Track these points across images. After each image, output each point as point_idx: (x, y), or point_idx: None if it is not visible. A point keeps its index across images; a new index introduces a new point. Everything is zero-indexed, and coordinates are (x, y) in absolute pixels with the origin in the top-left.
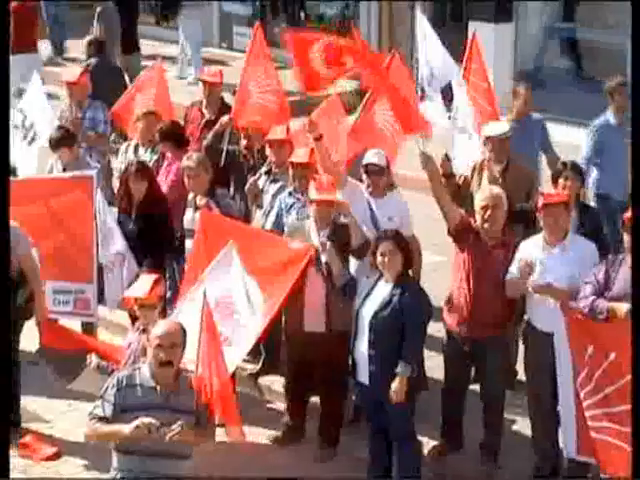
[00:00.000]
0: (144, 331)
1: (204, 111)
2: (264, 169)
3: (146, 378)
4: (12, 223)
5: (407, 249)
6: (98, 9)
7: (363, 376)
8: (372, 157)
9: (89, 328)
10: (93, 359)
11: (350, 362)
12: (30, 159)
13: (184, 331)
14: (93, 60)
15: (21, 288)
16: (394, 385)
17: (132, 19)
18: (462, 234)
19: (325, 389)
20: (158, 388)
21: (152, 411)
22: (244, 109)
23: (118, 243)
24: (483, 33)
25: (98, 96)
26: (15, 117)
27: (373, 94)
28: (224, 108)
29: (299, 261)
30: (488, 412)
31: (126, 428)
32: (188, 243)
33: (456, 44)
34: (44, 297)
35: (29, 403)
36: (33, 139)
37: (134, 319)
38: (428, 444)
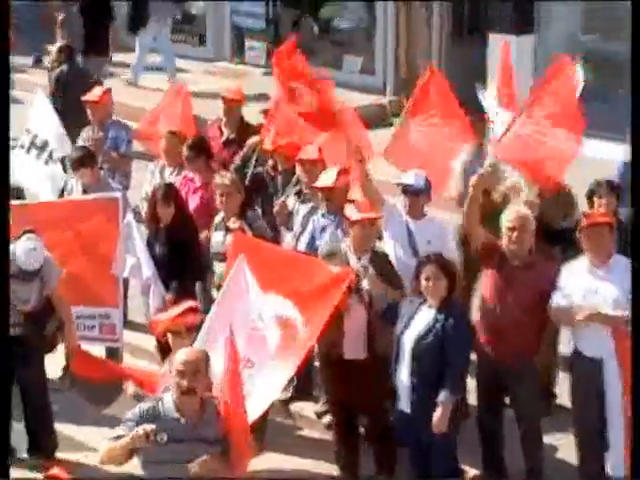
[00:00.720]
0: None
1: (223, 129)
2: (294, 190)
3: (169, 408)
4: (46, 253)
5: (452, 273)
6: (61, 16)
7: (404, 403)
8: (410, 178)
9: (114, 353)
10: (130, 387)
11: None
12: (44, 179)
13: (208, 358)
14: (64, 67)
15: (50, 317)
16: (436, 414)
17: (101, 23)
18: (488, 254)
19: (370, 418)
20: (182, 419)
21: (176, 443)
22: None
23: (147, 268)
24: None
25: (69, 103)
26: (22, 138)
27: (409, 112)
28: (244, 126)
29: (339, 285)
30: (526, 439)
31: (127, 438)
32: (218, 267)
33: (474, 56)
34: (74, 327)
35: (64, 430)
36: (50, 157)
37: (160, 345)
38: (470, 473)
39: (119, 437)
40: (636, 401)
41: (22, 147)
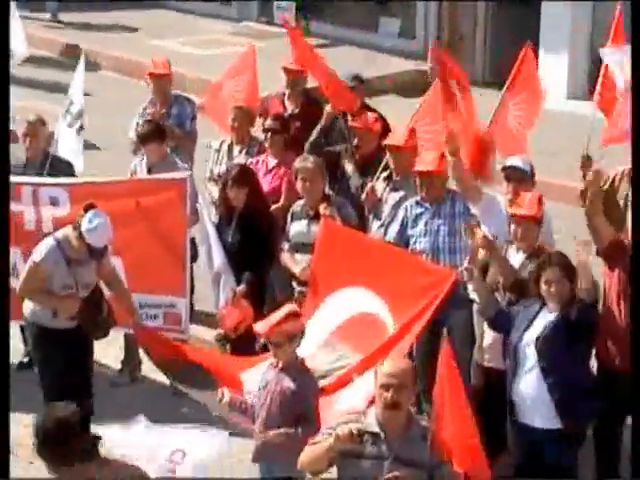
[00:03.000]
0: (282, 370)
1: (286, 103)
2: (383, 174)
3: (371, 423)
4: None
5: (574, 275)
6: None
7: (527, 416)
8: (516, 160)
9: None
10: (225, 394)
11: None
12: (76, 148)
13: (414, 370)
14: None
15: (103, 299)
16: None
17: None
18: (615, 254)
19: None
20: (384, 435)
21: (376, 460)
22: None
23: (218, 256)
24: (558, 13)
25: None
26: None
27: (507, 93)
28: (309, 100)
29: (441, 285)
30: None
31: (330, 439)
32: (299, 257)
33: (521, 21)
34: (132, 301)
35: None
36: (82, 128)
37: (229, 341)
38: None
39: (316, 443)
40: (636, 401)
41: (61, 114)
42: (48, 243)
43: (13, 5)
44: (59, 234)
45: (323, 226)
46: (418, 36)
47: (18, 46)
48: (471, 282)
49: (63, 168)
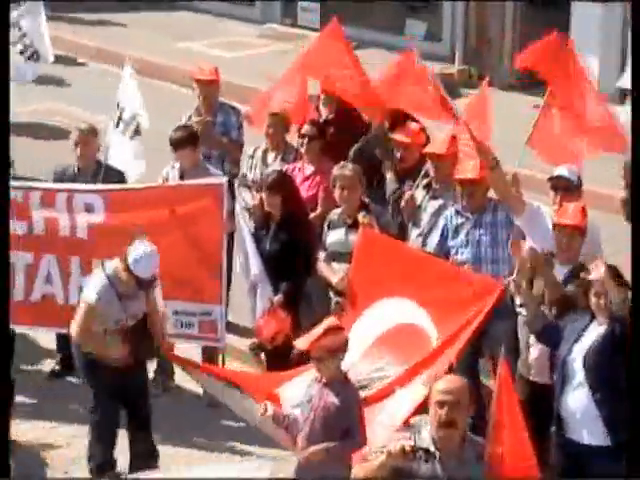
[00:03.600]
0: (325, 385)
1: (321, 109)
2: (423, 182)
3: (425, 440)
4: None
5: (625, 285)
6: None
7: (575, 432)
8: (563, 170)
9: (211, 355)
10: (268, 407)
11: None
12: (131, 154)
13: (470, 388)
14: None
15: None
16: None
17: None
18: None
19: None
20: (438, 454)
21: None
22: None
23: (255, 265)
24: (588, 13)
25: None
26: (115, 112)
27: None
28: (345, 106)
29: (487, 297)
30: None
31: (383, 456)
32: (336, 266)
33: (551, 23)
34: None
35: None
36: (137, 132)
37: (265, 351)
38: None
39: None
40: (636, 400)
41: (112, 122)
42: (100, 281)
43: (41, 6)
44: (109, 269)
45: (362, 235)
46: (445, 39)
47: (44, 49)
48: (518, 295)
49: (115, 178)
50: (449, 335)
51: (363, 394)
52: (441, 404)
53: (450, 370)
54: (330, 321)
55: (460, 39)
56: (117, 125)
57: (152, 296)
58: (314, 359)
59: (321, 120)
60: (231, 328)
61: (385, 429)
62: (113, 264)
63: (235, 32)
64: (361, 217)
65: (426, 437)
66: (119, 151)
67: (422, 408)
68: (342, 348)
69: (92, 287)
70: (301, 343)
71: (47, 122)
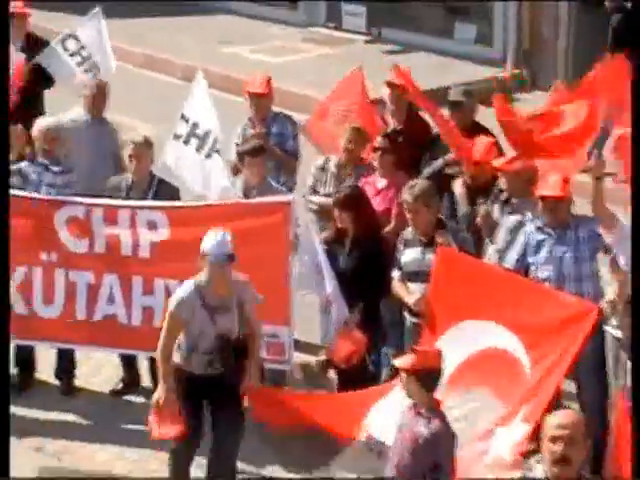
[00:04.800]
0: (418, 413)
1: (389, 119)
2: (501, 197)
3: (538, 478)
4: (241, 277)
5: None
6: None
7: None
8: None
9: (279, 381)
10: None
11: None
12: (204, 174)
13: (586, 423)
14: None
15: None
16: None
17: None
18: None
19: None
20: None
21: None
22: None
23: (328, 282)
24: None
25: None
26: (179, 126)
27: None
28: (413, 116)
29: (583, 320)
30: None
31: None
32: (412, 286)
33: (606, 25)
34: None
35: None
36: (213, 149)
37: (339, 372)
38: None
39: None
40: (636, 401)
41: (178, 137)
42: (186, 287)
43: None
44: (200, 276)
45: (440, 254)
46: (496, 42)
47: (106, 61)
48: (615, 316)
49: (169, 192)
50: (547, 367)
51: (458, 426)
52: (555, 440)
53: (557, 402)
54: (430, 344)
55: (512, 41)
56: (187, 141)
57: (251, 316)
58: (411, 383)
59: (389, 130)
60: (297, 346)
61: (487, 469)
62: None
63: (278, 36)
64: (438, 236)
65: (539, 473)
66: (191, 169)
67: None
68: (439, 374)
69: (177, 292)
70: (401, 362)
71: None
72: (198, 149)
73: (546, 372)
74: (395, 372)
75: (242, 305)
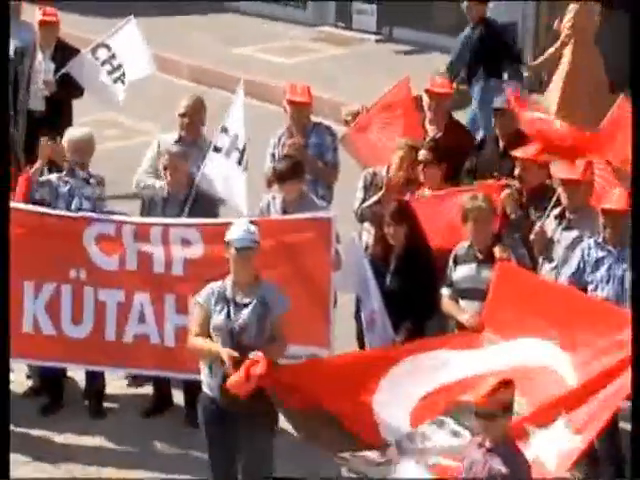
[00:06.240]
0: (489, 451)
1: (427, 127)
2: (555, 212)
3: None
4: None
5: None
6: None
7: None
8: None
9: None
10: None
11: None
12: (243, 189)
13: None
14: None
15: None
16: None
17: None
18: None
19: None
20: None
21: None
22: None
23: (374, 300)
24: None
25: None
26: (219, 138)
27: None
28: (453, 124)
29: None
30: None
31: None
32: (464, 304)
33: (627, 32)
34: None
35: None
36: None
37: None
38: None
39: None
40: (636, 401)
41: (218, 149)
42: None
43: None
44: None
45: (500, 270)
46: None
47: (140, 65)
48: None
49: (207, 205)
50: (597, 380)
51: None
52: None
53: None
54: (501, 373)
55: (530, 42)
56: (228, 154)
57: (276, 326)
58: (483, 416)
59: (427, 139)
60: None
61: None
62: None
63: (287, 36)
64: (498, 251)
65: None
66: (232, 182)
67: None
68: (512, 405)
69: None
70: (472, 397)
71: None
72: (239, 162)
73: (597, 383)
74: None
75: (266, 309)
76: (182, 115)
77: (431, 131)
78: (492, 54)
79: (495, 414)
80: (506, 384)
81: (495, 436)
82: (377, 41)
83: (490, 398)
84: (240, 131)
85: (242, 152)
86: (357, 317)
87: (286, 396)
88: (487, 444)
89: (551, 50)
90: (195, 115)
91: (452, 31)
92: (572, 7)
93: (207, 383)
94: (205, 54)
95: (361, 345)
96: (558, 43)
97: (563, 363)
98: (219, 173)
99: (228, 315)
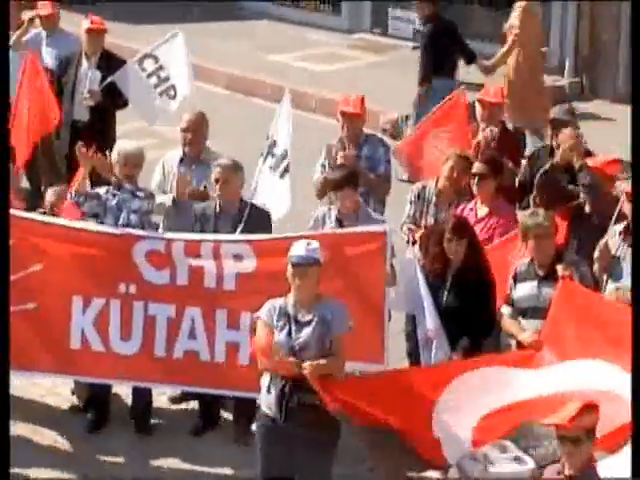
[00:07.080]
0: (570, 479)
1: (480, 138)
2: (618, 227)
3: None
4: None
5: None
6: None
7: None
8: None
9: None
10: None
11: None
12: (281, 193)
13: None
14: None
15: None
16: None
17: None
18: None
19: None
20: None
21: None
22: None
23: (430, 318)
24: None
25: None
26: (267, 149)
27: None
28: (506, 134)
29: None
30: None
31: None
32: (525, 323)
33: None
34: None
35: None
36: (287, 169)
37: None
38: None
39: None
40: (636, 401)
41: (262, 155)
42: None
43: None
44: None
45: (563, 288)
46: (553, 47)
47: (183, 83)
48: None
49: (261, 219)
50: None
51: None
52: None
53: None
54: (583, 396)
55: (570, 48)
56: (266, 158)
57: (337, 345)
58: (567, 441)
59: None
60: None
61: None
62: None
63: (322, 43)
64: (562, 269)
65: None
66: (266, 188)
67: None
68: (595, 430)
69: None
70: (554, 419)
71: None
72: (274, 168)
73: None
74: None
75: (327, 327)
76: (184, 130)
77: (484, 142)
78: (444, 51)
79: (580, 438)
80: (590, 408)
81: (578, 462)
82: (414, 48)
83: (575, 422)
84: (280, 139)
85: (279, 159)
86: (409, 335)
87: (352, 412)
88: (567, 471)
89: (503, 49)
90: (197, 130)
91: (489, 36)
92: (517, 5)
93: (266, 402)
94: (243, 63)
95: (413, 363)
96: (509, 42)
97: (627, 386)
98: (268, 185)
99: (289, 333)
